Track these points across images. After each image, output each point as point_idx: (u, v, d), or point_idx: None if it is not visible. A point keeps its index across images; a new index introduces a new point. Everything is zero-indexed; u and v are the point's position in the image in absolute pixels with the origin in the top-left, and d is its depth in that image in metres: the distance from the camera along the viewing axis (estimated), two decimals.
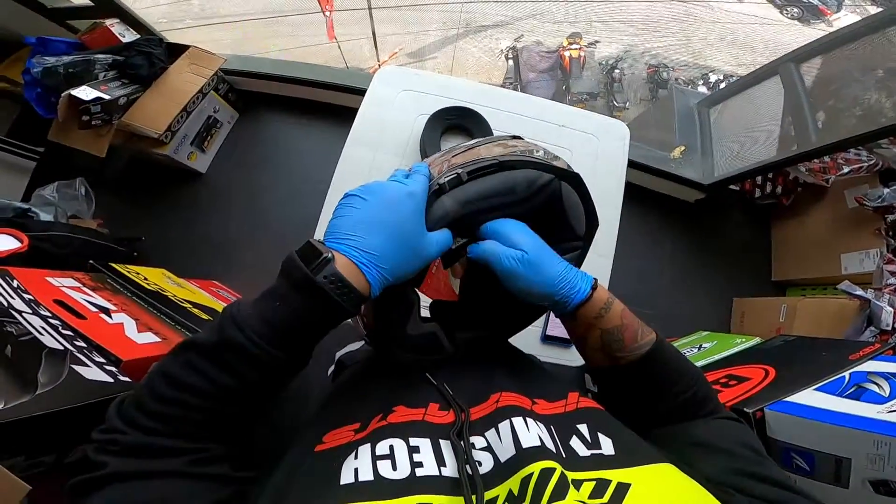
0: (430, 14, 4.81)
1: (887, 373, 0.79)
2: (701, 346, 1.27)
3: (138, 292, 1.02)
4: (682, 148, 1.97)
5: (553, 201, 0.43)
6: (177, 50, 1.72)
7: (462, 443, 0.30)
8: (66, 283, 0.85)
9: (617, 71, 4.00)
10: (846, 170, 1.61)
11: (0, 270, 0.75)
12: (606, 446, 0.31)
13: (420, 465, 0.29)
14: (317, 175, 1.16)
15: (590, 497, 0.26)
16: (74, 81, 1.43)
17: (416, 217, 0.35)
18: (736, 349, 1.14)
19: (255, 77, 1.94)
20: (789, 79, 1.71)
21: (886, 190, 1.52)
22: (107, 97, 1.43)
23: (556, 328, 0.94)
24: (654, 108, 2.74)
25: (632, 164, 1.76)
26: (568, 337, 0.88)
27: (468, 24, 4.84)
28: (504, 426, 0.31)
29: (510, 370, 0.42)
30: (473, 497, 0.26)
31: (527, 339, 0.94)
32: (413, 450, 0.30)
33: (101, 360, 0.68)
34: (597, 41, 4.24)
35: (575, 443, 0.32)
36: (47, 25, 1.63)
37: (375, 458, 0.29)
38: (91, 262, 1.05)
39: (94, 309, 0.82)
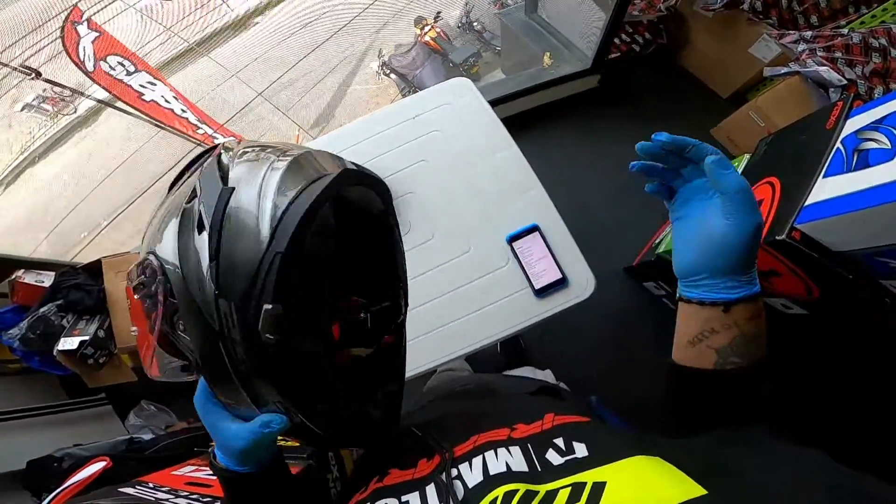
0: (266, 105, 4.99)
1: (872, 123, 0.73)
2: None
3: None
4: (548, 54, 2.09)
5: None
6: (94, 268, 1.70)
7: (444, 475, 0.35)
8: (187, 470, 1.07)
9: (476, 24, 4.06)
10: None
11: (134, 482, 0.99)
12: (580, 450, 0.33)
13: None
14: None
15: (567, 502, 0.28)
16: (51, 338, 1.50)
17: (205, 419, 0.39)
18: None
19: None
20: None
21: None
22: (87, 337, 1.50)
23: (540, 277, 0.93)
24: (503, 40, 2.86)
25: (521, 94, 1.93)
26: (560, 277, 0.91)
27: (320, 77, 4.96)
28: (477, 460, 0.35)
29: (491, 406, 0.48)
30: None
31: (523, 306, 0.93)
32: None
33: None
34: (439, 12, 4.28)
35: (550, 455, 0.34)
36: None
37: None
38: (196, 448, 1.29)
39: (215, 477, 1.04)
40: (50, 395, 1.85)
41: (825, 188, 0.72)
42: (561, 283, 0.93)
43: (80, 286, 1.62)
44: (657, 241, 1.42)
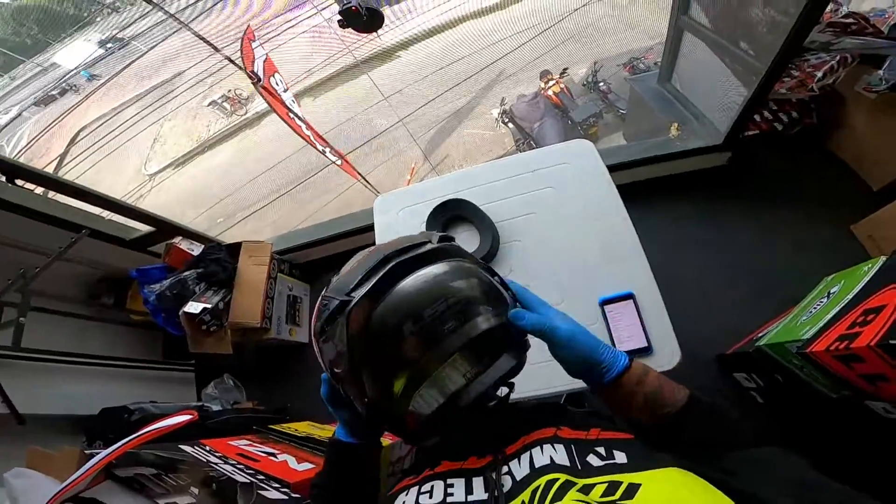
0: (399, 131, 5.25)
1: None
2: (829, 293, 1.15)
3: (292, 439, 1.32)
4: (675, 124, 1.99)
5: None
6: (234, 248, 1.94)
7: (493, 474, 0.38)
8: (241, 443, 1.16)
9: (601, 84, 4.03)
10: (820, 74, 1.57)
11: (195, 443, 1.09)
12: (620, 457, 0.36)
13: (451, 494, 0.38)
14: None
15: (602, 496, 0.30)
16: (181, 300, 1.71)
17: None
18: (866, 279, 1.03)
19: (301, 249, 2.19)
20: (694, 29, 1.77)
21: (880, 72, 1.51)
22: (210, 306, 1.70)
23: (625, 343, 0.92)
24: (629, 104, 2.81)
25: (642, 162, 1.85)
26: (645, 346, 0.90)
27: (444, 116, 5.17)
28: (524, 455, 0.39)
29: (542, 411, 0.52)
30: None
31: None
32: (448, 486, 0.39)
33: (277, 485, 0.93)
34: (566, 68, 4.34)
35: (591, 458, 0.37)
36: (137, 256, 1.93)
37: (419, 493, 0.39)
38: (254, 427, 1.39)
39: (263, 454, 1.11)
40: (148, 353, 2.11)
41: None
42: (645, 352, 0.91)
43: (219, 260, 1.84)
44: (760, 334, 1.30)
